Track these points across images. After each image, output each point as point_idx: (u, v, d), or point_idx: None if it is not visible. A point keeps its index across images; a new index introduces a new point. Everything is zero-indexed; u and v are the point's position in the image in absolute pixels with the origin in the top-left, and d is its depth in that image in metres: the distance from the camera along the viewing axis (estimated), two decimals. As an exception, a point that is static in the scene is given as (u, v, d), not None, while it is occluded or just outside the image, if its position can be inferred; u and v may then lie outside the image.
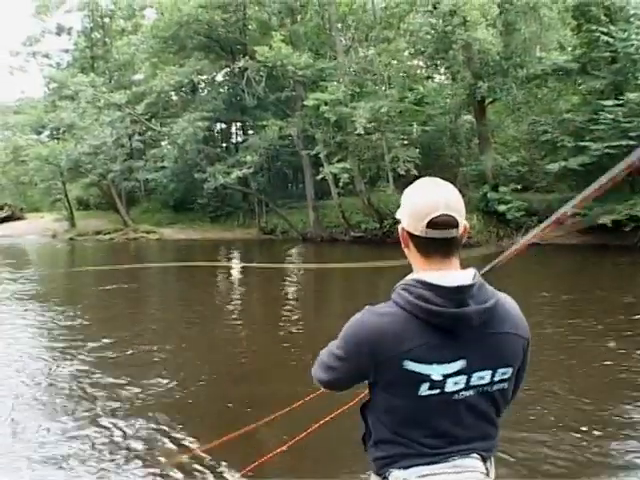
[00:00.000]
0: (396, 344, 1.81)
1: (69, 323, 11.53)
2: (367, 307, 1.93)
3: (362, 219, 28.45)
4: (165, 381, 7.53)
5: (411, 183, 2.02)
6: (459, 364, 1.84)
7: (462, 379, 1.85)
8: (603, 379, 7.36)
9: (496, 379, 1.90)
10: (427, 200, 1.86)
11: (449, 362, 1.83)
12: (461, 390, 1.86)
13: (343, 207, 29.30)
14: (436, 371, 1.82)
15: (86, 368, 8.13)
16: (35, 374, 7.94)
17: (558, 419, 6.07)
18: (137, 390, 7.15)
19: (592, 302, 12.17)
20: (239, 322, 12.06)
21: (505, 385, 1.93)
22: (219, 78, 37.40)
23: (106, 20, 42.45)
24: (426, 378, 1.82)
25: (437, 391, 1.84)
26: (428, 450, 1.85)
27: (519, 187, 24.58)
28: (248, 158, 28.57)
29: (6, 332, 10.52)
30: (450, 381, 1.84)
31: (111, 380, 7.59)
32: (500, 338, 1.89)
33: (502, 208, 23.57)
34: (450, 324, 1.82)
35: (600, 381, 7.30)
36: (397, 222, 2.01)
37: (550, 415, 6.19)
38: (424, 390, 1.83)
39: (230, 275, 19.16)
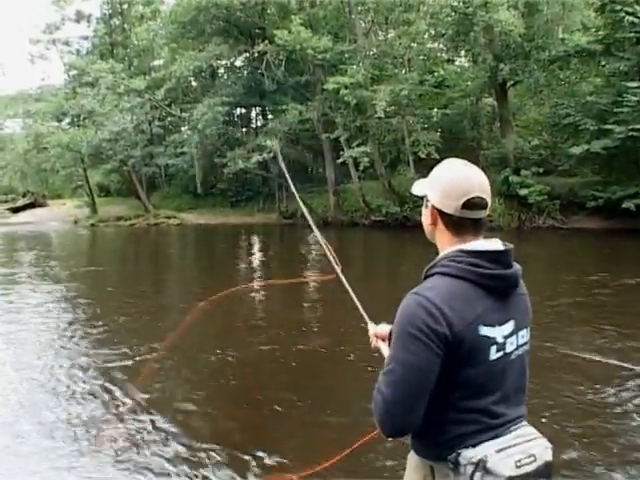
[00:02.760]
0: (469, 309, 1.83)
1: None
2: (411, 292, 1.89)
3: (383, 203, 28.33)
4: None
5: (432, 167, 2.05)
6: (511, 324, 1.92)
7: (514, 339, 1.94)
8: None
9: (529, 336, 2.02)
10: (462, 181, 1.92)
11: (504, 323, 1.91)
12: (514, 350, 1.95)
13: (363, 191, 29.25)
14: (499, 333, 1.89)
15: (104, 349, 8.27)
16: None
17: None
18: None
19: (611, 286, 12.10)
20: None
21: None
22: (238, 63, 37.39)
23: (125, 6, 42.49)
24: (494, 341, 1.87)
25: (502, 353, 1.90)
26: (495, 421, 1.88)
27: (541, 171, 24.42)
28: (268, 142, 28.52)
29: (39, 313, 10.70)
30: (508, 342, 1.92)
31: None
32: (524, 298, 2.04)
33: (524, 192, 23.41)
34: (503, 286, 1.91)
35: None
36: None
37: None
38: (493, 353, 1.88)
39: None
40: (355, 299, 2.69)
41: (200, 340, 8.52)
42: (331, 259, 2.84)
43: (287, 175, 3.37)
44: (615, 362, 7.08)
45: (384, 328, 2.44)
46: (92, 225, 36.09)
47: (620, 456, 4.83)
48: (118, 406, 6.16)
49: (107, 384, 6.77)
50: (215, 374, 7.37)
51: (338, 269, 2.81)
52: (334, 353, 8.03)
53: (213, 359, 7.83)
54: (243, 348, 8.25)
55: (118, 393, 6.50)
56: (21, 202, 45.27)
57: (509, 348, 1.91)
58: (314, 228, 3.18)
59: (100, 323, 9.99)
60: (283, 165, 3.39)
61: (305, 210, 3.65)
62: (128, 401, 6.24)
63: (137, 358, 7.78)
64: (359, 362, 7.40)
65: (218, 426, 5.88)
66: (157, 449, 5.17)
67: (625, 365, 6.94)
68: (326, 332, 9.21)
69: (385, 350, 2.31)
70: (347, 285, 2.73)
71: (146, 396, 6.37)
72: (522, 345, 1.98)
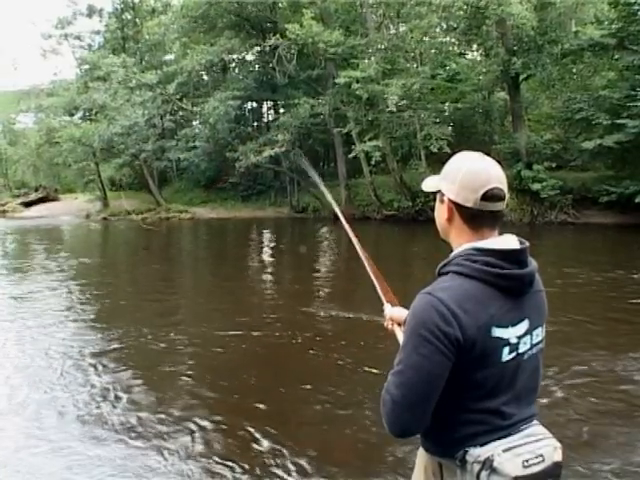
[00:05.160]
0: (481, 311, 1.80)
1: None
2: (423, 292, 1.87)
3: (394, 197, 28.29)
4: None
5: (444, 161, 2.02)
6: (525, 324, 1.90)
7: (528, 339, 1.91)
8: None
9: (543, 334, 2.00)
10: (481, 172, 1.89)
11: (518, 323, 1.88)
12: (528, 350, 1.92)
13: (375, 185, 29.16)
14: (512, 334, 1.86)
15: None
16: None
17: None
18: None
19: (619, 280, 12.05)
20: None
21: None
22: (250, 57, 37.23)
23: (136, 1, 42.44)
24: (506, 342, 1.85)
25: (514, 354, 1.87)
26: (505, 422, 1.87)
27: (553, 165, 24.28)
28: (279, 137, 28.48)
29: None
30: (521, 342, 1.89)
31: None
32: (541, 295, 2.01)
33: (536, 186, 23.28)
34: (518, 286, 1.88)
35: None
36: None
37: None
38: (506, 355, 1.85)
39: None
40: (375, 280, 2.69)
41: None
42: (355, 242, 2.85)
43: (309, 167, 3.45)
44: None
45: (401, 312, 2.41)
46: (104, 219, 36.19)
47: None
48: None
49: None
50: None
51: (360, 251, 2.81)
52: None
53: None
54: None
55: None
56: (33, 196, 45.37)
57: (522, 348, 1.89)
58: (338, 211, 3.24)
59: (100, 309, 11.06)
60: (304, 160, 3.51)
61: (329, 196, 3.73)
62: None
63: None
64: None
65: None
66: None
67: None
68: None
69: (400, 335, 2.30)
70: (368, 267, 2.73)
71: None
72: (536, 344, 1.95)
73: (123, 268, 17.86)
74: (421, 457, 2.07)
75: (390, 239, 23.32)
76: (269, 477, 4.67)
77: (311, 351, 7.96)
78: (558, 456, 1.89)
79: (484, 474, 1.80)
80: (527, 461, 1.81)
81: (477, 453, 1.82)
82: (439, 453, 1.95)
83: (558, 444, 1.92)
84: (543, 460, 1.84)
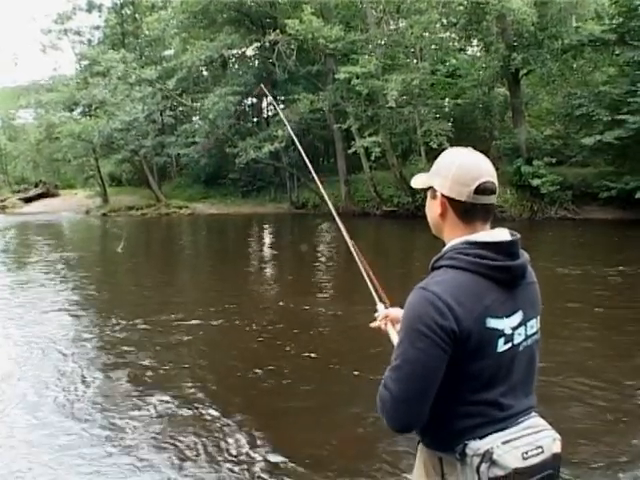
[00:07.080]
0: (476, 303, 1.82)
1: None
2: (418, 287, 1.88)
3: (394, 193, 28.24)
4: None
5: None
6: (519, 315, 1.91)
7: (522, 330, 1.92)
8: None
9: (538, 326, 2.01)
10: (472, 165, 1.92)
11: (512, 314, 1.89)
12: (523, 341, 1.93)
13: (375, 181, 29.14)
14: (507, 325, 1.87)
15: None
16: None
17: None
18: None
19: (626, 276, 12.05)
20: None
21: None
22: (249, 52, 37.14)
23: (136, -4, 42.39)
24: (501, 333, 1.86)
25: (509, 345, 1.88)
26: (503, 413, 1.87)
27: (553, 161, 24.21)
28: (279, 132, 28.41)
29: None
30: (516, 333, 1.90)
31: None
32: (534, 287, 2.02)
33: (536, 182, 23.24)
34: (511, 277, 1.89)
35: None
36: (427, 195, 2.04)
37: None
38: (501, 346, 1.86)
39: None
40: (367, 279, 2.70)
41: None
42: (347, 239, 2.87)
43: (305, 156, 3.51)
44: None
45: (397, 312, 2.41)
46: (104, 215, 36.16)
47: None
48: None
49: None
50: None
51: (353, 249, 2.83)
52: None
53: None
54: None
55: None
56: (33, 192, 45.38)
57: (517, 339, 1.90)
58: (331, 208, 3.28)
59: (90, 301, 11.57)
60: (300, 148, 3.57)
61: (324, 193, 3.80)
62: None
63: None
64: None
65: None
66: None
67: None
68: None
69: (393, 334, 2.32)
70: (360, 264, 2.74)
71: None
72: (531, 335, 1.96)
73: (116, 263, 17.85)
74: (421, 453, 2.08)
75: (390, 235, 23.33)
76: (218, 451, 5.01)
77: (260, 338, 8.46)
78: (557, 447, 1.90)
79: (484, 467, 1.80)
80: (526, 453, 1.82)
81: (476, 446, 1.82)
82: (439, 448, 1.95)
83: (557, 435, 1.93)
84: (542, 451, 1.85)
